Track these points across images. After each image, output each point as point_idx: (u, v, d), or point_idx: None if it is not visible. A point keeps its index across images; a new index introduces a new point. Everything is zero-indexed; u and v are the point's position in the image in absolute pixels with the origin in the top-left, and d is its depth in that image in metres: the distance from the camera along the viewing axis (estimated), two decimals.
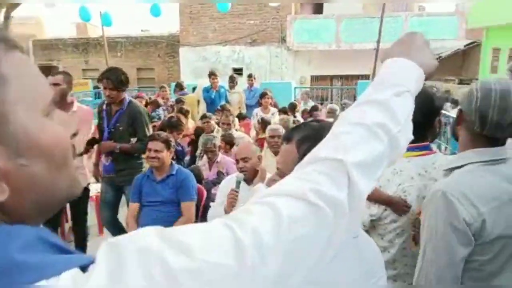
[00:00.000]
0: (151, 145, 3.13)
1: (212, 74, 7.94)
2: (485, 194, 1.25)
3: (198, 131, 5.03)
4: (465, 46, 15.01)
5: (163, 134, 3.33)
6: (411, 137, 0.69)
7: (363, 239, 1.21)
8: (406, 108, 0.68)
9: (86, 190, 3.55)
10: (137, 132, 3.48)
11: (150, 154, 3.12)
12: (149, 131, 3.58)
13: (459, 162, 1.35)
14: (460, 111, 1.36)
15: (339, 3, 13.34)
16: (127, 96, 3.57)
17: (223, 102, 7.46)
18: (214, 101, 7.62)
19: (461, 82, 22.37)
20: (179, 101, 7.38)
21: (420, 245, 1.36)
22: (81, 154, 3.44)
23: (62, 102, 3.26)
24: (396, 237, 1.64)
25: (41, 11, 23.61)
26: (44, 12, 33.47)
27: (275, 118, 6.72)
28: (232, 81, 8.28)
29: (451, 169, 1.36)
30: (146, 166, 3.53)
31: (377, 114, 0.65)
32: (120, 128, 3.46)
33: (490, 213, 1.23)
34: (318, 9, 14.60)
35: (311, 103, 9.63)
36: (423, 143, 1.64)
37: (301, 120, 7.39)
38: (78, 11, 8.58)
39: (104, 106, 3.60)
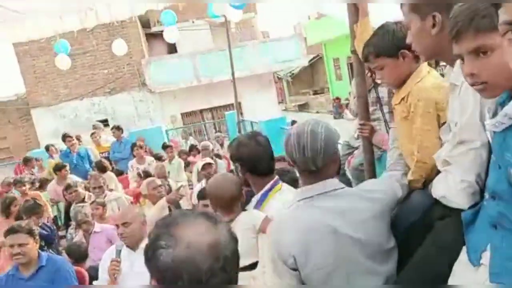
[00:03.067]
0: (13, 239, 2.76)
1: (66, 137, 7.35)
2: (299, 231, 1.38)
3: (66, 206, 4.61)
4: (309, 61, 16.71)
5: (24, 223, 2.97)
6: None
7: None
8: None
9: None
10: None
11: (14, 250, 2.76)
12: None
13: (290, 202, 1.50)
14: None
15: (191, 41, 13.70)
16: None
17: (87, 164, 6.97)
18: (77, 166, 7.05)
19: (315, 93, 24.87)
20: (17, 181, 5.66)
21: None
22: None
23: None
24: None
25: None
26: None
27: (153, 167, 6.54)
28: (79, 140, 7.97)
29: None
30: None
31: None
32: None
33: (302, 249, 1.36)
34: (171, 49, 14.81)
35: (192, 141, 9.69)
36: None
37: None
38: None
39: None
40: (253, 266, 1.73)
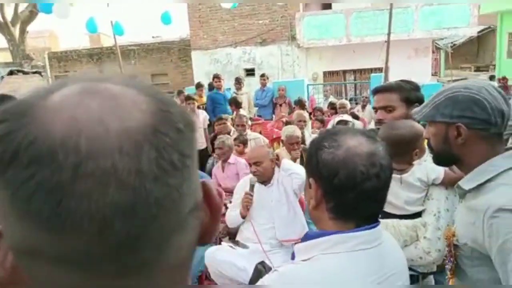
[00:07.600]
0: None
1: (215, 77, 8.08)
2: None
3: (211, 137, 5.08)
4: (478, 32, 14.72)
5: None
6: None
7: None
8: None
9: None
10: None
11: None
12: None
13: (490, 174, 1.22)
14: (459, 125, 1.24)
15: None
16: None
17: (227, 106, 7.44)
18: (221, 105, 7.64)
19: (477, 69, 22.01)
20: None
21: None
22: None
23: None
24: None
25: (54, 24, 24.07)
26: (57, 25, 34.18)
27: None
28: (239, 83, 8.40)
29: (479, 185, 1.23)
30: None
31: None
32: None
33: None
34: (326, 5, 14.52)
35: (332, 99, 9.67)
36: None
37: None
38: (85, 24, 8.59)
39: None
40: (416, 215, 1.69)
